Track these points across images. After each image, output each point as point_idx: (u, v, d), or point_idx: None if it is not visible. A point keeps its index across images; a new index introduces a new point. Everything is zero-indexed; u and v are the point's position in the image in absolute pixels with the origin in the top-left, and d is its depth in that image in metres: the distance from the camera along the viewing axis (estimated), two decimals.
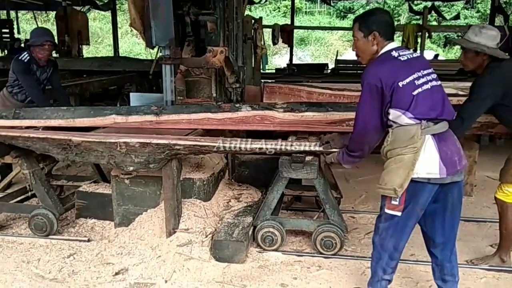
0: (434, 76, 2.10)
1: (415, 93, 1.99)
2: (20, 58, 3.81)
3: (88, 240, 3.09)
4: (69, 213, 3.49)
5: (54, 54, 11.75)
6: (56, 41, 3.93)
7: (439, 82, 2.11)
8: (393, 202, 2.06)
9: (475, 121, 2.68)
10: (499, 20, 12.94)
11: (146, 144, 2.73)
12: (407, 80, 2.00)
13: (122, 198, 3.11)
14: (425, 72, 2.07)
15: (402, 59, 2.06)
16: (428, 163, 1.98)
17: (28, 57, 3.80)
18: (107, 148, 2.79)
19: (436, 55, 13.14)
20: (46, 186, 3.23)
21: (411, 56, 2.10)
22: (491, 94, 2.53)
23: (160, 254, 2.79)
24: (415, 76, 2.02)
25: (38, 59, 3.81)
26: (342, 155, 2.34)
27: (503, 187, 2.75)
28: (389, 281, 2.25)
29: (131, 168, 2.87)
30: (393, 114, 2.03)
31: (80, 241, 3.08)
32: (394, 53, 2.08)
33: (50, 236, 3.14)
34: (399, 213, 2.06)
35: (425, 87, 2.03)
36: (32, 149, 3.01)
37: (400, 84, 1.98)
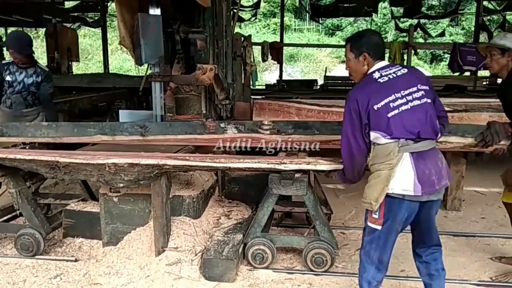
0: (417, 94, 2.10)
1: (389, 115, 2.05)
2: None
3: (76, 260, 3.03)
4: (56, 232, 3.42)
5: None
6: (34, 51, 4.00)
7: (423, 101, 2.10)
8: (373, 215, 2.13)
9: None
10: (483, 37, 13.29)
11: (134, 165, 2.72)
12: (382, 103, 2.05)
13: (111, 217, 3.07)
14: (406, 92, 2.08)
15: (381, 81, 2.11)
16: (403, 179, 2.04)
17: (11, 60, 3.94)
18: (95, 168, 2.77)
19: None
20: (33, 205, 3.18)
21: (395, 75, 2.12)
22: None
23: (149, 273, 2.75)
24: (391, 98, 2.06)
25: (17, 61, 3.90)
26: (340, 175, 2.49)
27: None
28: None
29: (121, 185, 2.85)
30: (373, 135, 2.10)
31: (67, 261, 3.02)
32: (376, 75, 2.13)
33: (37, 256, 3.07)
34: (379, 227, 2.12)
35: (404, 107, 2.06)
36: (20, 167, 2.97)
37: (375, 107, 2.05)
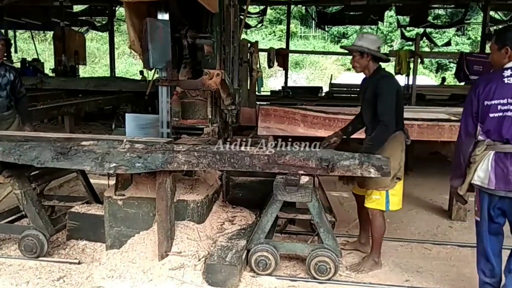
0: None
1: (491, 115, 2.24)
2: None
3: (79, 263, 3.03)
4: (60, 234, 3.43)
5: (51, 74, 11.85)
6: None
7: None
8: (475, 208, 2.43)
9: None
10: (489, 47, 13.27)
11: None
12: (493, 102, 2.23)
13: (115, 220, 3.07)
14: None
15: (506, 81, 2.23)
16: (482, 173, 2.30)
17: None
18: None
19: None
20: (38, 206, 3.19)
21: None
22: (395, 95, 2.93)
23: (151, 278, 2.74)
24: (503, 101, 2.21)
25: None
26: (450, 178, 2.56)
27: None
28: (493, 286, 2.42)
29: None
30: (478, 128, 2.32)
31: (71, 263, 3.02)
32: (507, 73, 2.25)
33: (40, 258, 3.07)
34: (478, 218, 2.42)
35: (508, 114, 2.20)
36: None
37: (486, 103, 2.25)
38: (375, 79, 2.95)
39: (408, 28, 15.24)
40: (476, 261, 2.49)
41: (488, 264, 2.41)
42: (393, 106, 2.88)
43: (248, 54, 5.96)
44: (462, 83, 10.14)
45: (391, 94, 2.89)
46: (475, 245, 3.49)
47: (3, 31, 12.66)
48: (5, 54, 3.95)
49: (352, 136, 3.40)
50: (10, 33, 13.54)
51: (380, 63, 3.06)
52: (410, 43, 16.01)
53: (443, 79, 16.03)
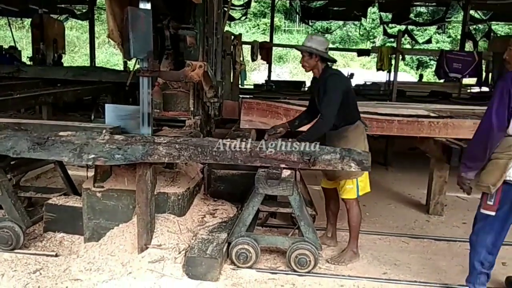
0: None
1: None
2: None
3: (56, 255, 2.97)
4: (36, 226, 3.35)
5: (29, 62, 11.54)
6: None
7: None
8: (488, 202, 2.39)
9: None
10: (468, 46, 13.54)
11: None
12: None
13: (93, 212, 3.02)
14: None
15: None
16: None
17: None
18: None
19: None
20: (13, 197, 3.11)
21: None
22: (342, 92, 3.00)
23: (131, 270, 2.71)
24: None
25: None
26: (463, 169, 2.50)
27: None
28: (488, 276, 2.50)
29: None
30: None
31: (48, 255, 2.96)
32: None
33: (16, 250, 3.00)
34: (493, 213, 2.38)
35: None
36: None
37: None
38: (324, 78, 3.06)
39: (390, 25, 15.42)
40: (474, 253, 2.51)
41: (489, 256, 2.48)
42: (336, 103, 2.96)
43: (232, 46, 5.92)
44: (442, 80, 10.32)
45: (336, 91, 2.98)
46: (452, 239, 3.62)
47: None
48: None
49: None
50: None
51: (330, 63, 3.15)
52: (392, 39, 16.20)
53: (421, 76, 16.38)
